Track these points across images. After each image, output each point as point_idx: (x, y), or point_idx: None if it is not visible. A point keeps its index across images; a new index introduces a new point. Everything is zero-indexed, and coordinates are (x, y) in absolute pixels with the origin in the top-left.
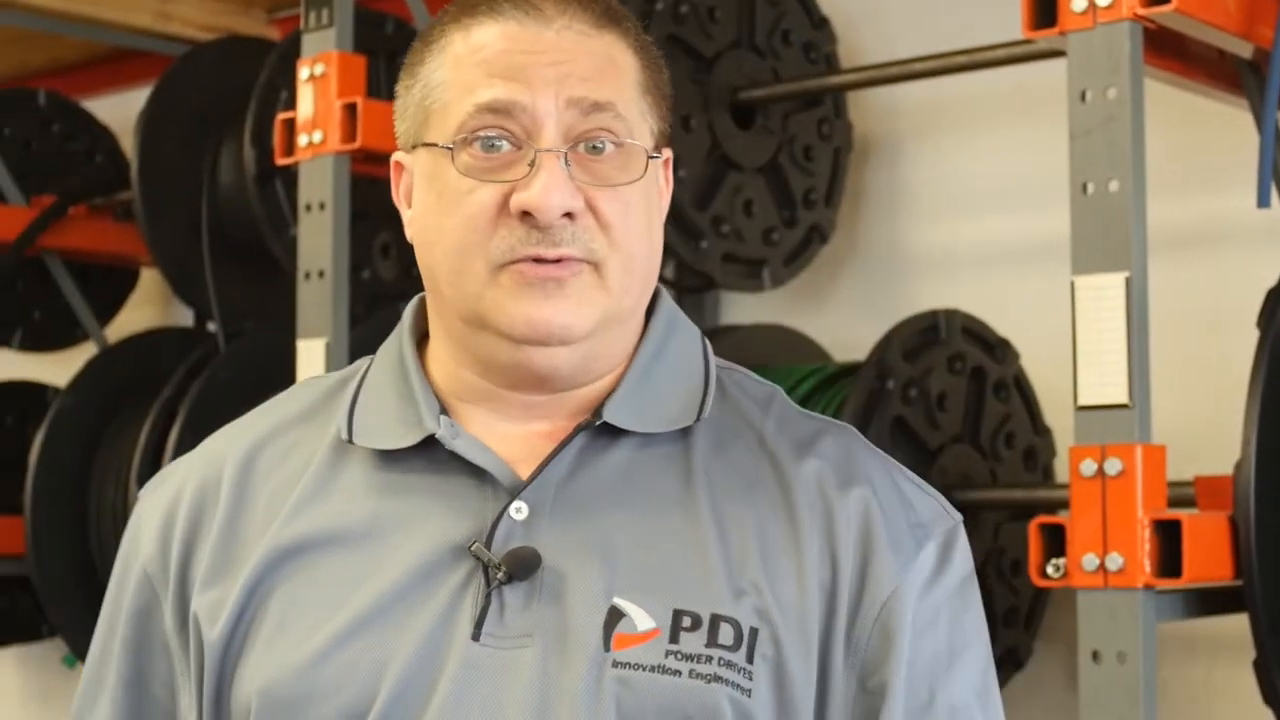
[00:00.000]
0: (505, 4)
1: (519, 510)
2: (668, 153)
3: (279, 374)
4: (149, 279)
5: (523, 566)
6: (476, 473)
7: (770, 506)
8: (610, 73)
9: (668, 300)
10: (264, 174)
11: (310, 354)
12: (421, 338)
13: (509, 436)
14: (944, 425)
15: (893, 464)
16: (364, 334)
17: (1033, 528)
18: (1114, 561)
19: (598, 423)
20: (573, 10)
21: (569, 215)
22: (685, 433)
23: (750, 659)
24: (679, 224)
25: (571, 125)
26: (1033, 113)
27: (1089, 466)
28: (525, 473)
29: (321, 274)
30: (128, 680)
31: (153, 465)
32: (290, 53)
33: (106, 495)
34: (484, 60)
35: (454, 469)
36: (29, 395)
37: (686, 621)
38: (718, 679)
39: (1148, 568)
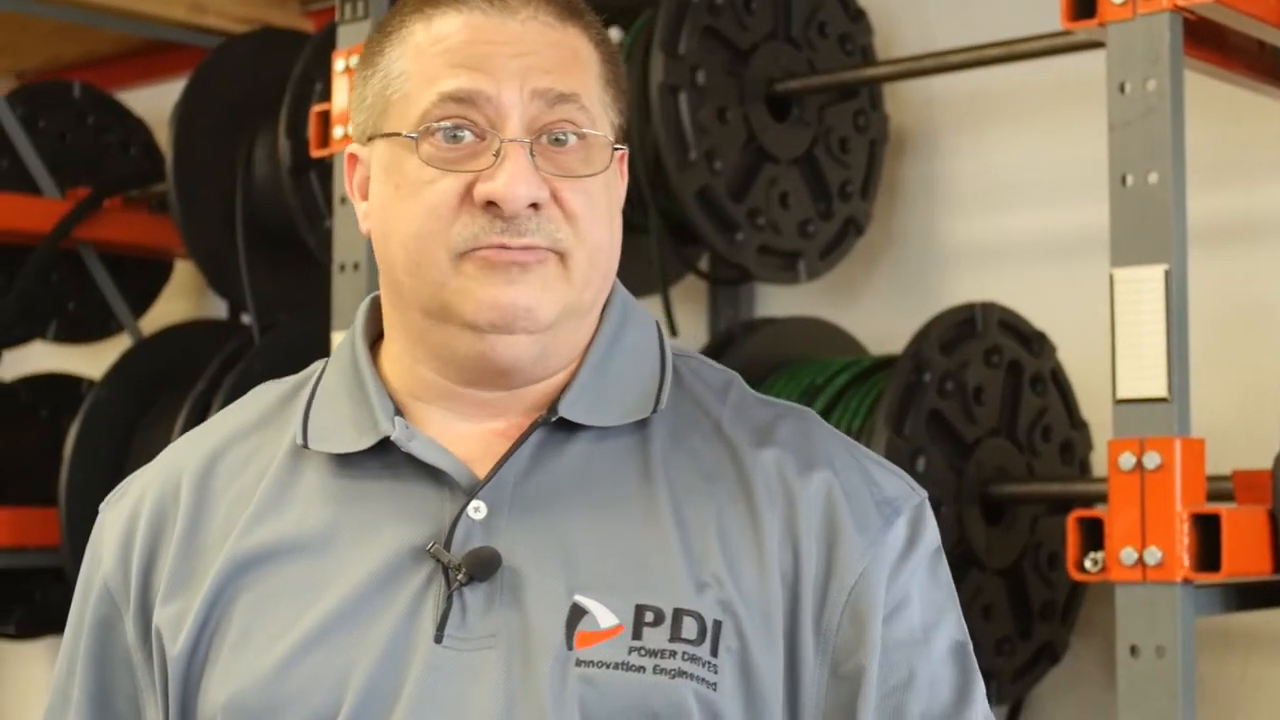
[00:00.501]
0: None
1: (477, 510)
2: (624, 148)
3: None
4: (183, 271)
5: (483, 567)
6: (433, 474)
7: (729, 497)
8: (574, 65)
9: (622, 292)
10: (299, 166)
11: None
12: (375, 339)
13: (465, 436)
14: (980, 419)
15: (855, 445)
16: None
17: (1071, 521)
18: (1152, 555)
19: (553, 419)
20: (536, 2)
21: (534, 206)
22: (643, 424)
23: (715, 652)
24: (715, 216)
25: (536, 116)
26: (1071, 104)
27: (1127, 460)
28: (482, 472)
29: (356, 266)
30: (92, 694)
31: None
32: (325, 45)
33: None
34: (447, 50)
35: (411, 471)
36: (64, 387)
37: (649, 617)
38: (682, 674)
39: (1186, 562)
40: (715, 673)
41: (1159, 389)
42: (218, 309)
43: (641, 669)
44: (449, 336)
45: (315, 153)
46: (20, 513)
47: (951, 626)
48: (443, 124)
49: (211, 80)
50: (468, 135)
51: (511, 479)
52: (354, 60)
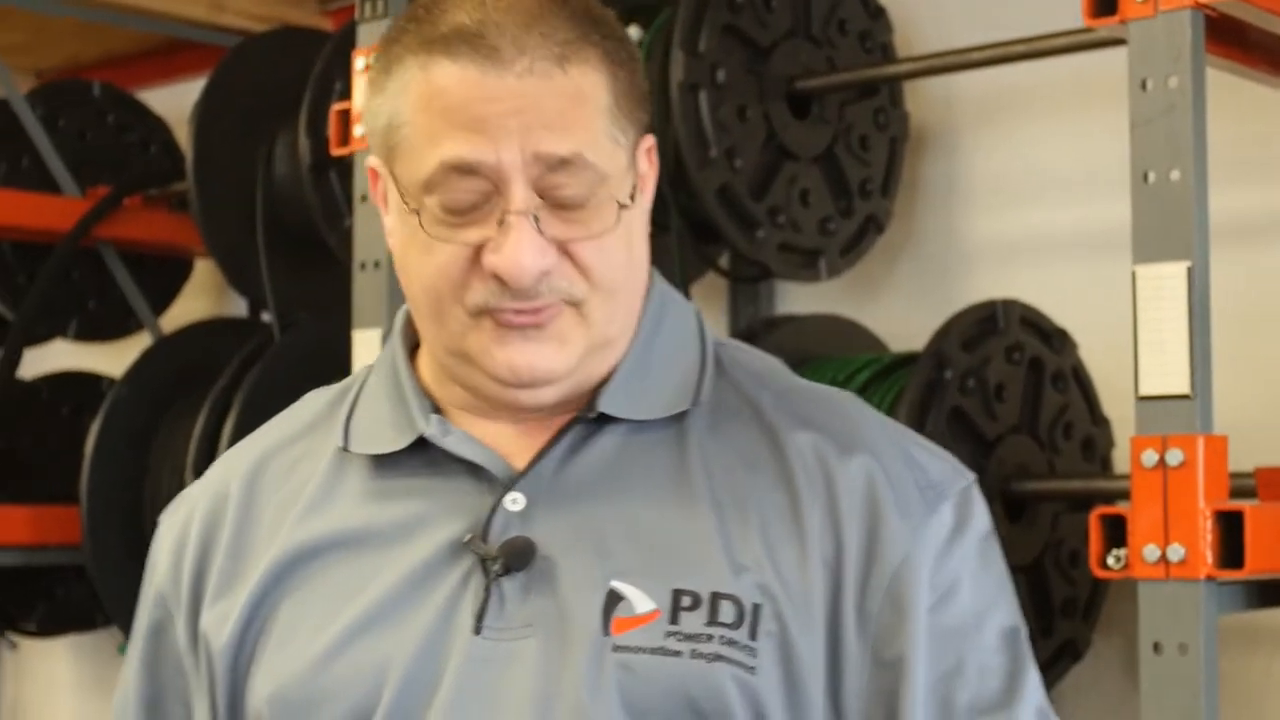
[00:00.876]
0: (461, 45)
1: (515, 501)
2: (649, 140)
3: (333, 364)
4: (203, 270)
5: (518, 556)
6: (472, 469)
7: (769, 482)
8: (577, 113)
9: (659, 285)
10: (319, 164)
11: (366, 344)
12: (415, 344)
13: (501, 431)
14: (1002, 416)
15: (899, 428)
16: None
17: (1093, 519)
18: (1175, 552)
19: (592, 415)
20: (533, 48)
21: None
22: (681, 413)
23: (754, 636)
24: (735, 214)
25: (539, 177)
26: (1092, 102)
27: (1150, 457)
28: (519, 463)
29: (377, 264)
30: (145, 699)
31: (208, 455)
32: (345, 43)
33: (162, 485)
34: (445, 109)
35: (450, 467)
36: (84, 385)
37: (686, 601)
38: (719, 658)
39: (1209, 559)
40: (754, 656)
41: (1182, 386)
42: (238, 307)
43: (678, 654)
44: (474, 378)
45: (335, 151)
46: (41, 510)
47: (1004, 612)
48: (445, 195)
49: (231, 79)
50: (472, 199)
51: (549, 470)
52: (374, 59)
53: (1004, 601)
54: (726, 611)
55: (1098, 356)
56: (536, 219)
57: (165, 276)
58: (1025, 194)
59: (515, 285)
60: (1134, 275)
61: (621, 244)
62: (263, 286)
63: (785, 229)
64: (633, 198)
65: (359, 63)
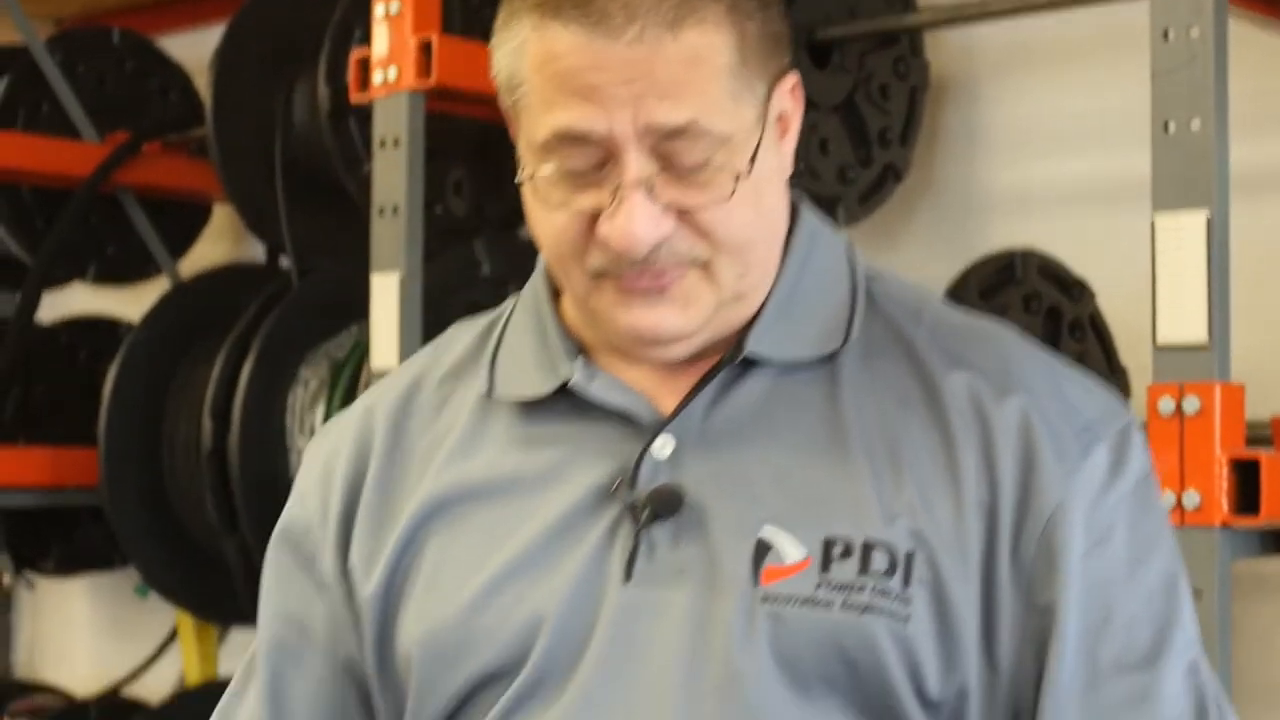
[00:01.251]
0: (572, 9)
1: (664, 447)
2: (791, 80)
3: (351, 309)
4: (222, 215)
5: (666, 503)
6: (618, 413)
7: (922, 424)
8: (692, 80)
9: (807, 216)
10: (338, 111)
11: (384, 289)
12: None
13: (648, 374)
14: None
15: (1055, 363)
16: (437, 269)
17: None
18: (1191, 499)
19: (739, 359)
20: (645, 12)
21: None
22: (832, 352)
23: (907, 584)
24: None
25: (655, 145)
26: (1112, 52)
27: (1167, 405)
28: (666, 408)
29: (395, 210)
30: (283, 614)
31: (225, 399)
32: None
33: (179, 428)
34: (557, 74)
35: (595, 412)
36: (102, 330)
37: (838, 550)
38: (871, 609)
39: (1225, 506)
40: (907, 605)
41: (1199, 335)
42: (256, 252)
43: (829, 604)
44: (605, 332)
45: (355, 98)
46: (59, 452)
47: (1161, 559)
48: (560, 160)
49: (250, 25)
50: (588, 164)
51: (698, 414)
52: (394, 7)
53: (1161, 547)
54: (879, 560)
55: (1116, 306)
56: (651, 187)
57: (184, 222)
58: (1045, 144)
59: (628, 257)
60: (1153, 225)
61: (747, 201)
62: (281, 232)
63: (804, 177)
64: (754, 159)
65: (379, 10)
